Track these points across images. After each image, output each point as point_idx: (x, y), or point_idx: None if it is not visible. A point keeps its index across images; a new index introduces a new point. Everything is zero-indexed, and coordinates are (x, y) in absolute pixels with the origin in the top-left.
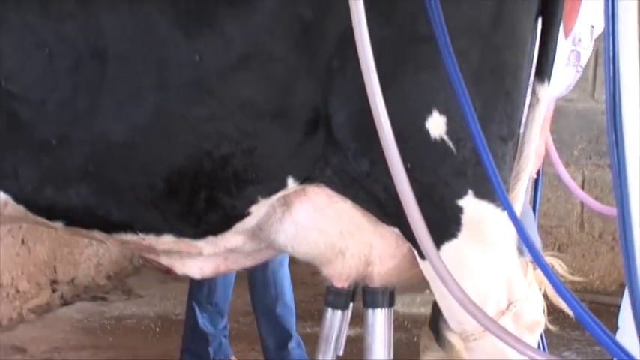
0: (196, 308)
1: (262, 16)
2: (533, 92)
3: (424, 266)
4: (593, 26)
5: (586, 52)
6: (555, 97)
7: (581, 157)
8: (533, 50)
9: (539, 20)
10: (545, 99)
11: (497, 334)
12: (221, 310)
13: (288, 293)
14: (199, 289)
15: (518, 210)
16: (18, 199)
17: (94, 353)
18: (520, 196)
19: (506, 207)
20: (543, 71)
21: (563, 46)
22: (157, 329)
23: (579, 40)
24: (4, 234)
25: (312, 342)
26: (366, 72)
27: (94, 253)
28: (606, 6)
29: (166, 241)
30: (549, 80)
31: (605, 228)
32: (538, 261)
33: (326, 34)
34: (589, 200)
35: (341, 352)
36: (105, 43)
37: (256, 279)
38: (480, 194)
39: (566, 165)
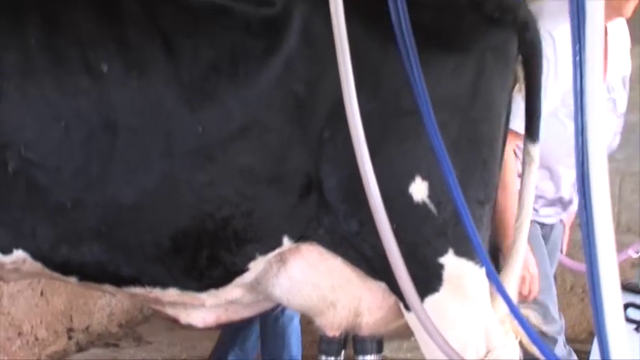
0: (229, 352)
1: (260, 91)
2: (528, 153)
3: (409, 317)
4: (625, 76)
5: (622, 100)
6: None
7: None
8: (508, 122)
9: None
10: (537, 157)
11: None
12: (249, 357)
13: (296, 346)
14: (235, 335)
15: (521, 257)
16: (35, 256)
17: None
18: (523, 244)
19: (485, 264)
20: (533, 133)
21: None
22: None
23: (613, 89)
24: (24, 287)
25: None
26: (357, 142)
27: (107, 303)
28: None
29: (171, 294)
30: (538, 140)
31: (576, 282)
32: (514, 313)
33: (317, 108)
34: (562, 257)
35: None
36: (115, 116)
37: (267, 331)
38: (459, 252)
39: None
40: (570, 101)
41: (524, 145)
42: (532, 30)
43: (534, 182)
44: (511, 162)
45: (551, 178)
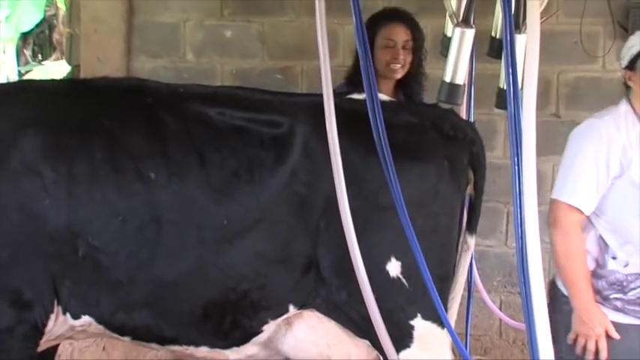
0: None
1: (271, 192)
2: (466, 242)
3: None
4: None
5: None
6: None
7: (499, 286)
8: (462, 214)
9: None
10: (472, 246)
11: None
12: None
13: None
14: None
15: (452, 320)
16: (99, 321)
17: None
18: (455, 312)
19: (447, 325)
20: (472, 227)
21: None
22: None
23: None
24: (90, 343)
25: None
26: (347, 231)
27: (154, 355)
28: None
29: (203, 350)
30: (475, 232)
31: (517, 336)
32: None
33: (315, 204)
34: (505, 317)
35: None
36: (160, 213)
37: None
38: (426, 316)
39: (489, 292)
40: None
41: (464, 235)
42: (478, 144)
43: (467, 265)
44: (578, 235)
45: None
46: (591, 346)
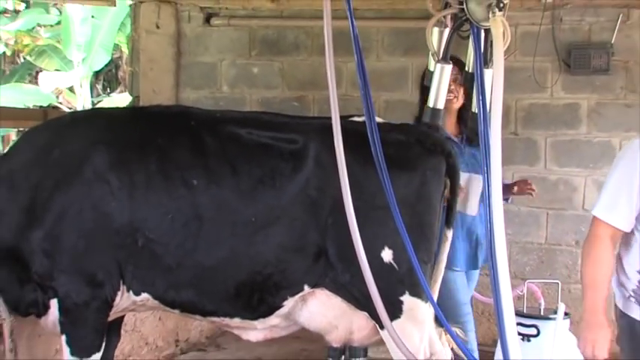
0: None
1: (289, 195)
2: (444, 234)
3: (383, 334)
4: None
5: None
6: None
7: None
8: (441, 212)
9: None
10: (450, 238)
11: None
12: None
13: None
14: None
15: (435, 295)
16: (154, 297)
17: None
18: (436, 290)
19: (430, 300)
20: (449, 222)
21: None
22: None
23: None
24: (149, 314)
25: None
26: (351, 225)
27: (198, 324)
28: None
29: (236, 321)
30: (453, 227)
31: (485, 309)
32: (448, 330)
33: (324, 205)
34: (475, 293)
35: None
36: (201, 212)
37: None
38: (413, 293)
39: None
40: None
41: (443, 229)
42: (453, 157)
43: (446, 252)
44: (605, 246)
45: None
46: (588, 352)
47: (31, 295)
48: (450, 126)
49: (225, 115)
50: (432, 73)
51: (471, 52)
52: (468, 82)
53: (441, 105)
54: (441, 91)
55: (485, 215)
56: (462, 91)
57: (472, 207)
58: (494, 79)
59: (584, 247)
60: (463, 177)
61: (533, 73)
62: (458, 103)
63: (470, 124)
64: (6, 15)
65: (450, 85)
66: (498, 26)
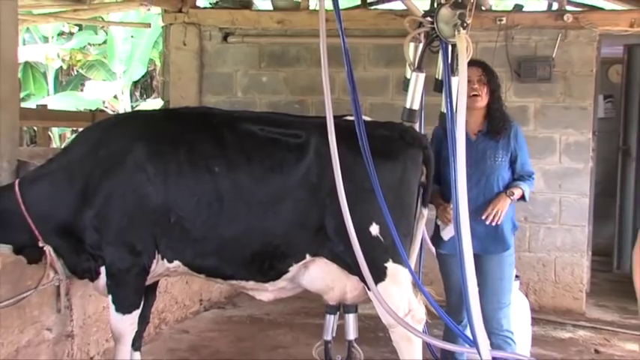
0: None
1: (294, 180)
2: (421, 212)
3: (370, 294)
4: None
5: None
6: None
7: None
8: (419, 194)
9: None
10: (425, 218)
11: (403, 325)
12: None
13: None
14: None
15: (413, 262)
16: (184, 264)
17: (219, 332)
18: (414, 258)
19: (408, 266)
20: (425, 201)
21: None
22: (248, 322)
23: None
24: (178, 279)
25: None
26: (342, 205)
27: (219, 286)
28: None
29: (250, 284)
30: (428, 206)
31: None
32: (422, 291)
33: (322, 188)
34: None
35: (333, 335)
36: (222, 194)
37: None
38: (395, 261)
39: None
40: None
41: (420, 208)
42: (428, 150)
43: (423, 227)
44: None
45: None
46: None
47: (85, 263)
48: (473, 123)
49: (241, 115)
50: (408, 80)
51: (440, 63)
52: (438, 88)
53: (416, 106)
54: (417, 95)
55: (454, 198)
56: (485, 89)
57: (449, 232)
58: (459, 84)
59: (634, 255)
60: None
61: None
62: (482, 102)
63: (494, 115)
64: (63, 36)
65: (474, 85)
66: (463, 42)
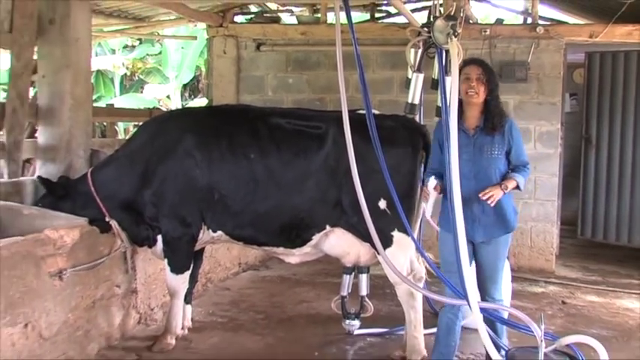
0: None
1: (316, 164)
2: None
3: (379, 257)
4: None
5: None
6: None
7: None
8: (421, 174)
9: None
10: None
11: (407, 282)
12: None
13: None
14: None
15: (415, 232)
16: (226, 234)
17: (254, 289)
18: (416, 228)
19: (411, 237)
20: (424, 181)
21: None
22: (278, 281)
23: None
24: (220, 245)
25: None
26: (356, 184)
27: (254, 252)
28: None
29: (280, 250)
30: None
31: None
32: (422, 254)
33: (339, 170)
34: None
35: (349, 291)
36: (256, 176)
37: None
38: (400, 230)
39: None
40: None
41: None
42: (427, 137)
43: (423, 205)
44: None
45: None
46: None
47: (145, 233)
48: (471, 118)
49: (272, 111)
50: (409, 80)
51: (436, 65)
52: (434, 86)
53: (416, 101)
54: (417, 92)
55: (448, 183)
56: (482, 87)
57: (427, 210)
58: (452, 83)
59: None
60: (432, 182)
61: None
62: (479, 98)
63: (490, 110)
64: (127, 49)
65: (472, 82)
66: (454, 48)
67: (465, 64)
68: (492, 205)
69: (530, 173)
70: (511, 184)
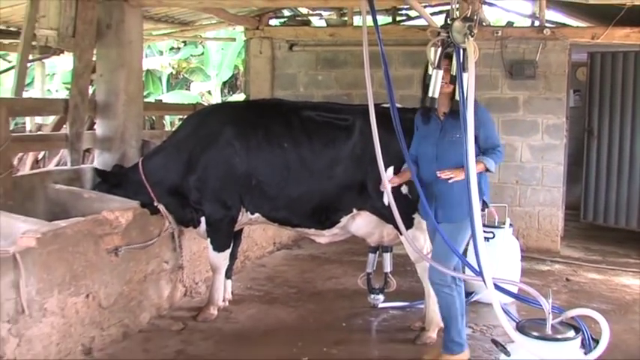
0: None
1: (344, 152)
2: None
3: (401, 238)
4: None
5: None
6: None
7: None
8: None
9: None
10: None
11: (426, 260)
12: None
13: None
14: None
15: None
16: (263, 215)
17: (288, 266)
18: None
19: (431, 219)
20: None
21: None
22: (310, 259)
23: None
24: (257, 227)
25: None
26: (381, 170)
27: (288, 232)
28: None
29: (311, 231)
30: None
31: None
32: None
33: (365, 158)
34: None
35: (373, 269)
36: (289, 163)
37: None
38: (419, 213)
39: None
40: None
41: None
42: None
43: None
44: None
45: None
46: None
47: (189, 215)
48: (442, 105)
49: (303, 104)
50: (430, 75)
51: (454, 62)
52: (453, 82)
53: (436, 95)
54: (437, 86)
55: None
56: (450, 78)
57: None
58: (469, 79)
59: None
60: (390, 173)
61: (490, 77)
62: (448, 88)
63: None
64: (173, 50)
65: (444, 73)
66: (471, 46)
67: None
68: (450, 182)
69: (502, 155)
70: (477, 166)
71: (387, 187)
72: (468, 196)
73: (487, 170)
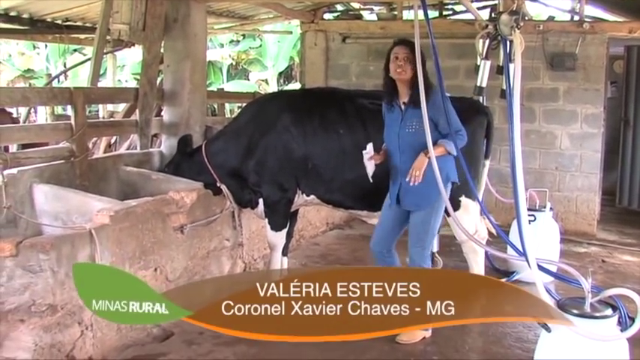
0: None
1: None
2: (484, 164)
3: (449, 219)
4: None
5: None
6: None
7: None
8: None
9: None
10: (487, 166)
11: (473, 240)
12: None
13: None
14: None
15: (480, 198)
16: (318, 197)
17: (340, 245)
18: (480, 195)
19: (477, 200)
20: (487, 154)
21: None
22: (360, 239)
23: None
24: (311, 208)
25: None
26: (432, 156)
27: (340, 214)
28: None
29: (364, 213)
30: (489, 158)
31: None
32: (487, 216)
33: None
34: (500, 197)
35: None
36: (345, 148)
37: None
38: (467, 196)
39: (493, 185)
40: None
41: (483, 160)
42: (490, 116)
43: (485, 174)
44: None
45: None
46: None
47: (248, 196)
48: (402, 94)
49: (356, 93)
50: (478, 66)
51: (501, 53)
52: (499, 71)
53: (484, 84)
54: (484, 77)
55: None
56: (409, 66)
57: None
58: (515, 69)
59: None
60: (370, 150)
61: (532, 69)
62: (406, 75)
63: (415, 86)
64: (233, 43)
65: (400, 62)
66: (517, 39)
67: (394, 44)
68: (418, 180)
69: (464, 138)
70: (437, 150)
71: (366, 165)
72: (437, 183)
73: (449, 153)
